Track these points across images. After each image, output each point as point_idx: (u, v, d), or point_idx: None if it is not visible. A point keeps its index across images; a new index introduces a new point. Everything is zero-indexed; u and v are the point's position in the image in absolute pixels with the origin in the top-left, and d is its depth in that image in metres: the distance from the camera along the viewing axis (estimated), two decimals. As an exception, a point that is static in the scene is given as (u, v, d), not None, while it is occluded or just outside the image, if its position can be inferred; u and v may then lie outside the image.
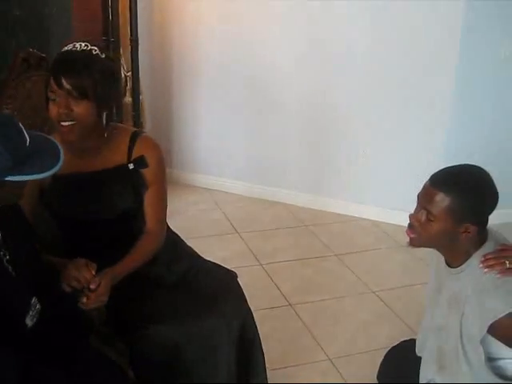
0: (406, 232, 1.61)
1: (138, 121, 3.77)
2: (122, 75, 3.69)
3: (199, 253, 2.06)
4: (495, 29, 3.45)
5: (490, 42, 3.47)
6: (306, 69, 3.78)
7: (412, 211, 1.60)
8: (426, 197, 1.55)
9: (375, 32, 3.57)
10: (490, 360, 1.59)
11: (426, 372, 1.72)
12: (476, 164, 1.61)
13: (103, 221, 1.81)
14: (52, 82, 1.67)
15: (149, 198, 1.85)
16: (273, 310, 2.85)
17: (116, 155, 1.81)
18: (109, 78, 1.73)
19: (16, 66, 1.98)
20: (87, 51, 1.69)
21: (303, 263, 3.31)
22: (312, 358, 2.54)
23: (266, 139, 4.02)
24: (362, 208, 3.86)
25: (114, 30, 3.42)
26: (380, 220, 3.80)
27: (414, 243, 1.61)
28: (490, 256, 1.54)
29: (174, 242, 2.01)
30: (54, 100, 1.67)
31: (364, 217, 3.86)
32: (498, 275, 1.51)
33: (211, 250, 2.94)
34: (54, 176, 1.54)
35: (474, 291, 1.54)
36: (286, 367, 2.45)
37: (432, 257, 1.77)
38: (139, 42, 3.62)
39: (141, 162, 1.82)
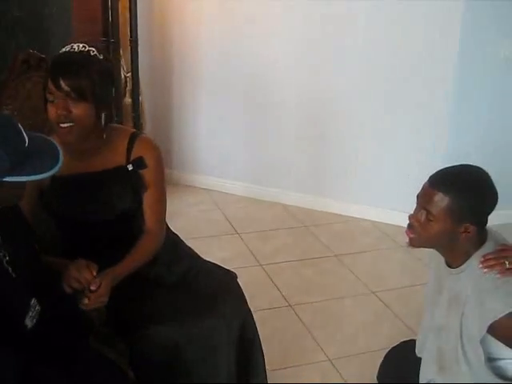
0: (406, 232, 1.61)
1: (137, 122, 3.77)
2: (122, 76, 3.69)
3: (199, 253, 2.06)
4: (494, 29, 3.45)
5: (489, 42, 3.47)
6: (307, 69, 3.79)
7: (412, 212, 1.60)
8: (425, 197, 1.55)
9: (374, 32, 3.57)
10: (490, 360, 1.59)
11: (425, 372, 1.72)
12: (475, 164, 1.61)
13: (102, 221, 1.81)
14: (50, 83, 1.66)
15: (148, 199, 1.85)
16: (273, 310, 2.85)
17: (115, 156, 1.81)
18: (107, 78, 1.73)
19: (16, 67, 1.99)
20: (85, 52, 1.70)
21: (303, 264, 3.31)
22: (312, 358, 2.54)
23: (266, 140, 4.02)
24: (361, 209, 3.87)
25: (114, 31, 3.42)
26: (380, 221, 3.80)
27: (413, 243, 1.61)
28: (489, 256, 1.54)
29: (174, 242, 2.01)
30: (52, 102, 1.67)
31: (364, 217, 3.86)
32: (498, 275, 1.51)
33: (211, 250, 2.95)
34: (53, 177, 1.54)
35: (473, 291, 1.54)
36: (286, 368, 2.45)
37: (431, 257, 1.77)
38: (139, 42, 3.62)
39: (140, 163, 1.82)
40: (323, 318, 2.82)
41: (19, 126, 1.31)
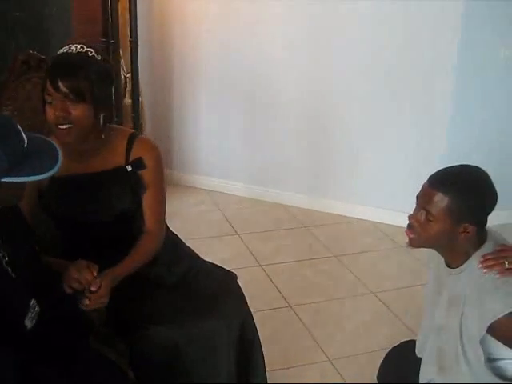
0: (406, 232, 1.61)
1: (137, 122, 3.76)
2: (122, 77, 3.69)
3: (199, 254, 2.06)
4: (494, 29, 3.45)
5: (489, 42, 3.47)
6: (307, 70, 3.79)
7: (411, 212, 1.60)
8: (424, 197, 1.55)
9: (374, 32, 3.57)
10: (490, 360, 1.59)
11: (425, 373, 1.72)
12: (475, 164, 1.61)
13: (101, 222, 1.81)
14: (48, 85, 1.66)
15: (147, 199, 1.84)
16: (273, 311, 2.85)
17: (114, 157, 1.81)
18: (105, 79, 1.73)
19: (16, 68, 1.99)
20: (83, 53, 1.69)
21: (303, 264, 3.31)
22: (312, 358, 2.54)
23: (267, 141, 4.02)
24: (361, 209, 3.87)
25: (114, 32, 3.42)
26: (379, 221, 3.80)
27: (413, 243, 1.61)
28: (489, 256, 1.54)
29: (174, 242, 2.01)
30: (50, 103, 1.67)
31: (363, 218, 3.86)
32: (498, 275, 1.51)
33: (211, 251, 2.95)
34: (52, 177, 1.54)
35: (473, 291, 1.54)
36: (286, 368, 2.45)
37: (430, 257, 1.77)
38: (139, 42, 3.62)
39: (139, 164, 1.81)
40: (323, 319, 2.82)
41: (18, 126, 1.31)
